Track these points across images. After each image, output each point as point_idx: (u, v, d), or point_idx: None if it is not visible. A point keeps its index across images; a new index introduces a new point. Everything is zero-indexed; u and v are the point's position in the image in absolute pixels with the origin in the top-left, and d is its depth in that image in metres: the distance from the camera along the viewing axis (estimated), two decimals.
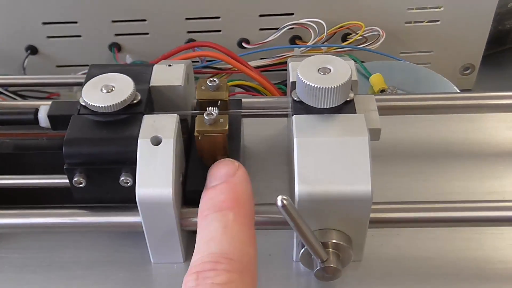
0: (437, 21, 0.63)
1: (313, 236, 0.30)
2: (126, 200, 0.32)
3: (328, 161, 0.30)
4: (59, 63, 0.66)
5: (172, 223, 0.32)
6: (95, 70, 0.35)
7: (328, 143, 0.31)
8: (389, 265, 0.34)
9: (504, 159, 0.39)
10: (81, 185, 0.32)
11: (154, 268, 0.34)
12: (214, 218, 0.28)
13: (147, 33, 0.63)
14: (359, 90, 0.57)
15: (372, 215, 0.32)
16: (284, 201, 0.28)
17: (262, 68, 0.61)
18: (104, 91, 0.32)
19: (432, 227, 0.34)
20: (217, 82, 0.34)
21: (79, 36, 0.63)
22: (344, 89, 0.31)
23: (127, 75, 0.34)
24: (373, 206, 0.31)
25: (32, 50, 0.64)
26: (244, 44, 0.64)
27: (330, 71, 0.32)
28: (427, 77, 0.58)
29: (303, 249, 0.32)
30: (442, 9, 0.62)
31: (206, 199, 0.30)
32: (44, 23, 0.62)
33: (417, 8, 0.62)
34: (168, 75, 0.35)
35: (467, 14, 0.62)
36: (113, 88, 0.33)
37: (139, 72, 0.35)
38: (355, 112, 0.32)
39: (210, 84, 0.34)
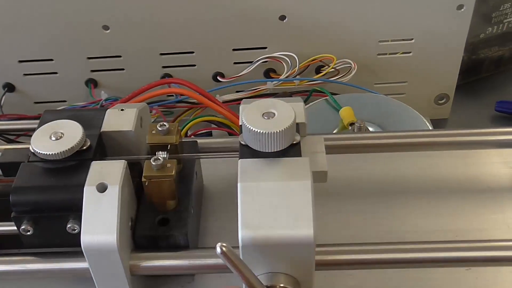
0: (409, 52, 0.64)
1: (256, 281, 0.30)
2: (75, 245, 0.32)
3: (271, 206, 0.31)
4: (36, 100, 0.66)
5: (120, 269, 0.32)
6: (48, 116, 0.35)
7: (271, 187, 0.31)
8: None
9: (459, 196, 0.39)
10: (28, 233, 0.32)
11: None
12: None
13: (122, 69, 0.64)
14: (330, 123, 0.58)
15: (318, 257, 0.32)
16: (224, 248, 0.28)
17: (236, 102, 0.62)
18: (53, 138, 0.33)
19: (379, 269, 0.34)
20: (167, 126, 0.35)
21: (56, 73, 0.64)
22: (287, 133, 0.32)
23: (79, 121, 0.34)
24: (319, 249, 0.32)
25: (9, 87, 0.65)
26: (219, 78, 0.65)
27: (274, 115, 0.32)
28: (397, 109, 0.58)
29: None
30: (413, 40, 0.63)
31: None
32: (20, 61, 0.63)
33: (389, 40, 0.63)
34: (120, 120, 0.36)
35: (439, 45, 0.63)
36: (62, 135, 0.33)
37: (91, 118, 0.35)
38: (300, 155, 0.33)
39: (160, 129, 0.35)
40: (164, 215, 0.34)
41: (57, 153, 0.32)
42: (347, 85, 0.62)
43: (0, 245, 0.34)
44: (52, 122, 0.34)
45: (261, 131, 0.31)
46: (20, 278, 0.35)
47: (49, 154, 0.32)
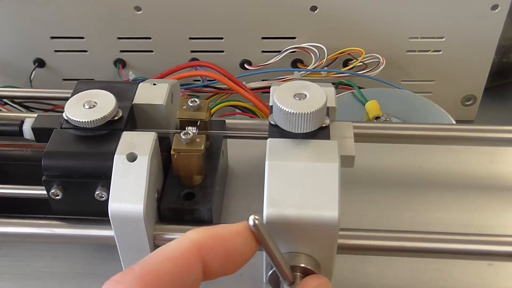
0: (439, 51, 0.64)
1: (282, 258, 0.30)
2: (101, 213, 0.32)
3: (298, 185, 0.31)
4: (65, 77, 0.67)
5: (144, 238, 0.32)
6: (82, 86, 0.36)
7: (298, 167, 0.31)
8: None
9: (484, 193, 0.39)
10: (58, 197, 0.33)
11: None
12: None
13: (151, 51, 0.65)
14: (356, 115, 0.58)
15: (341, 241, 0.32)
16: (256, 221, 0.28)
17: (262, 90, 0.62)
18: (87, 106, 0.33)
19: (400, 256, 0.34)
20: (198, 102, 0.35)
21: (86, 51, 0.65)
22: (318, 115, 0.32)
23: (112, 93, 0.34)
24: (342, 233, 0.32)
25: (40, 63, 0.66)
26: (246, 66, 0.65)
27: (306, 97, 0.32)
28: (423, 106, 0.58)
29: (271, 271, 0.32)
30: (444, 39, 0.62)
31: None
32: (52, 37, 0.64)
33: (419, 38, 0.63)
34: (152, 93, 0.36)
35: (470, 45, 0.62)
36: (95, 104, 0.33)
37: (123, 90, 0.36)
38: (329, 139, 0.33)
39: (191, 104, 0.35)
40: (190, 190, 0.34)
41: (90, 121, 0.33)
42: (374, 80, 0.62)
43: (30, 210, 0.35)
44: (87, 91, 0.34)
45: (292, 111, 0.31)
46: (46, 241, 0.35)
47: (81, 121, 0.33)
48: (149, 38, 0.64)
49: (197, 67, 0.59)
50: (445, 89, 0.67)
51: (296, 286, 0.31)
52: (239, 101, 0.60)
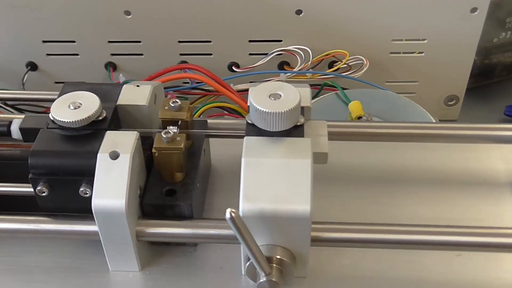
0: (422, 52, 0.65)
1: (257, 249, 0.32)
2: (86, 210, 0.34)
3: (272, 181, 0.32)
4: (57, 80, 0.69)
5: (126, 233, 0.34)
6: (68, 88, 0.37)
7: (273, 163, 0.33)
8: (333, 283, 0.36)
9: (456, 187, 0.41)
10: (44, 194, 0.34)
11: (111, 275, 0.36)
12: None
13: (141, 54, 0.66)
14: (339, 115, 0.60)
15: (314, 233, 0.33)
16: (232, 214, 0.30)
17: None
18: (72, 107, 0.35)
19: (372, 248, 0.35)
20: (179, 103, 0.37)
21: (77, 54, 0.66)
22: (291, 114, 0.33)
23: (97, 94, 0.36)
24: (315, 226, 0.33)
25: (32, 66, 0.67)
26: (234, 68, 0.66)
27: (281, 97, 0.34)
28: (405, 106, 0.60)
29: (249, 262, 0.34)
30: (426, 41, 0.64)
31: None
32: (44, 41, 0.65)
33: (403, 40, 0.65)
34: (135, 95, 0.38)
35: (451, 46, 0.64)
36: (80, 105, 0.35)
37: (108, 91, 0.37)
38: (303, 136, 0.34)
39: (172, 105, 0.37)
40: (171, 186, 0.36)
41: (75, 121, 0.34)
42: (358, 81, 0.63)
43: (18, 208, 0.36)
44: (72, 92, 0.36)
45: (267, 111, 0.33)
46: (34, 237, 0.37)
47: (67, 121, 0.34)
48: (139, 41, 0.65)
49: (186, 69, 0.61)
50: (428, 90, 0.68)
51: (271, 277, 0.33)
52: (226, 102, 0.61)
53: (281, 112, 0.33)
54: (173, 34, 0.65)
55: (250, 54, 0.66)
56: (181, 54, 0.66)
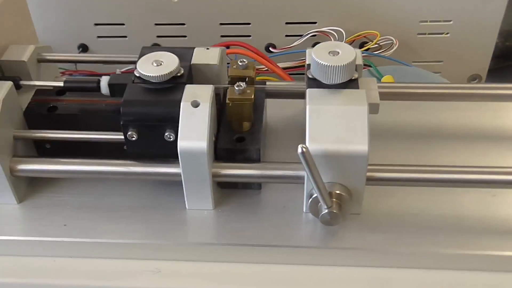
0: (447, 33, 0.70)
1: (322, 183, 0.37)
2: (168, 154, 0.39)
3: (334, 125, 0.37)
4: None
5: (205, 172, 0.39)
6: (146, 50, 0.42)
7: (334, 110, 0.38)
8: (383, 219, 0.41)
9: (488, 142, 0.45)
10: (133, 139, 0.39)
11: (188, 212, 0.41)
12: None
13: (185, 36, 0.71)
14: None
15: (369, 173, 0.38)
16: (304, 149, 0.35)
17: (286, 70, 0.68)
18: (155, 65, 0.40)
19: (417, 186, 0.40)
20: (246, 62, 0.42)
21: (125, 36, 0.71)
22: (349, 68, 0.38)
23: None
24: (370, 167, 0.38)
25: (84, 48, 0.72)
26: (271, 49, 0.71)
27: (339, 53, 0.39)
28: (434, 81, 0.64)
29: (311, 199, 0.38)
30: (451, 22, 0.69)
31: None
32: (96, 24, 0.70)
33: (428, 21, 0.69)
34: (206, 56, 0.43)
35: (474, 27, 0.69)
36: (162, 63, 0.40)
37: (182, 53, 0.42)
38: (358, 88, 0.39)
39: (240, 64, 0.42)
40: (241, 135, 0.41)
41: (158, 75, 0.39)
42: (389, 59, 0.68)
43: (107, 155, 0.41)
44: (154, 52, 0.41)
45: (328, 64, 0.38)
46: (122, 178, 0.42)
47: (152, 76, 0.39)
48: (183, 24, 0.70)
49: (230, 46, 0.65)
50: (452, 69, 0.73)
51: (332, 209, 0.38)
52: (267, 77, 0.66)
53: (340, 65, 0.38)
54: (215, 17, 0.69)
55: (286, 35, 0.71)
56: (222, 36, 0.71)
